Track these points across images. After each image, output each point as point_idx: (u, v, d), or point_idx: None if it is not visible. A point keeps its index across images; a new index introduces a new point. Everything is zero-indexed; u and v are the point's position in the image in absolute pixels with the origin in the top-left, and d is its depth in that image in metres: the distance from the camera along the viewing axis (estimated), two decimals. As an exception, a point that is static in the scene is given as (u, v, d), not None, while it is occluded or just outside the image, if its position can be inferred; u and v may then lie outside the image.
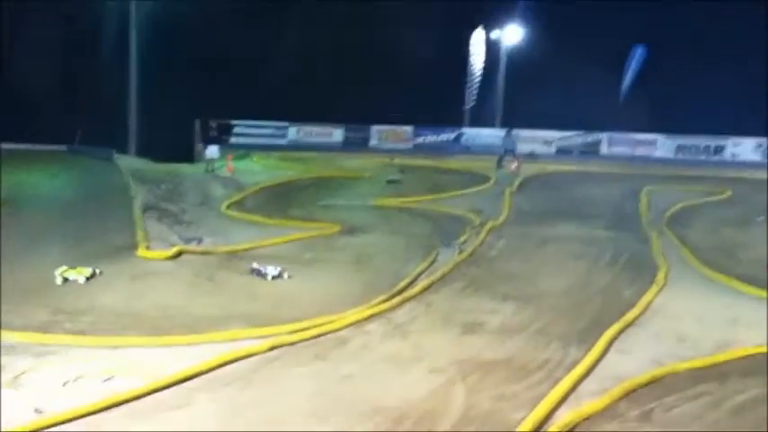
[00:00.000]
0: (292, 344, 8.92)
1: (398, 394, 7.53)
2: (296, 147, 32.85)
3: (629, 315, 10.27)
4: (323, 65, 36.12)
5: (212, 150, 25.16)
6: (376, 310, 10.28)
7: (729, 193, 22.45)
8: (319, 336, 9.24)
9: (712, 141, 34.01)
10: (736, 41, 35.62)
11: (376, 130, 35.71)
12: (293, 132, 35.27)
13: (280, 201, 19.68)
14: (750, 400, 7.61)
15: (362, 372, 8.22)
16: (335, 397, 7.50)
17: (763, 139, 33.33)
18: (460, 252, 14.09)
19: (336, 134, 35.59)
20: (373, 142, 35.42)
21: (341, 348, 8.94)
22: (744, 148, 33.82)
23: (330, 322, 9.66)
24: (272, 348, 8.70)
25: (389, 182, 23.31)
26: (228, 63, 33.67)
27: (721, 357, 8.78)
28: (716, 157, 33.35)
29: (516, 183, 23.58)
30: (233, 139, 32.76)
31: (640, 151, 33.98)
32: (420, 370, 8.27)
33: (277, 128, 34.90)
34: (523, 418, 6.83)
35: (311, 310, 10.08)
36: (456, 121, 36.71)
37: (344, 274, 12.46)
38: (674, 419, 7.12)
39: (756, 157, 33.28)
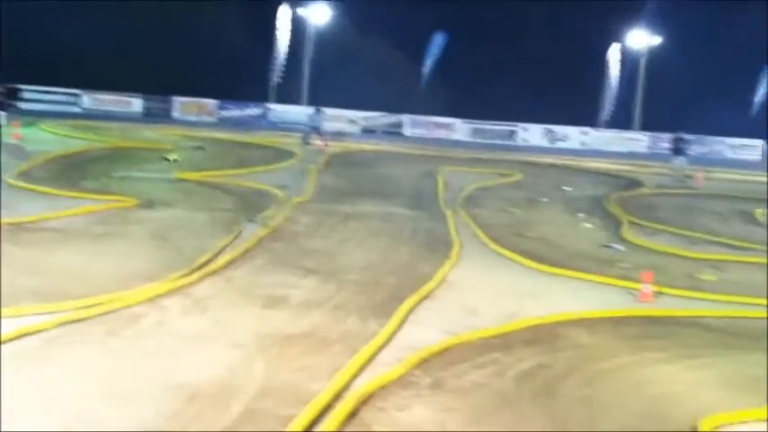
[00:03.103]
0: (82, 320, 8.46)
1: (196, 370, 7.36)
2: (91, 116, 31.20)
3: (425, 289, 10.66)
4: (122, 32, 34.36)
5: (-4, 115, 23.35)
6: (173, 285, 9.98)
7: (519, 175, 23.85)
8: (111, 312, 8.82)
9: (505, 126, 36.01)
10: (529, 34, 37.78)
11: (178, 101, 34.64)
12: (88, 101, 33.42)
13: (72, 171, 18.61)
14: (532, 368, 8.13)
15: (158, 348, 7.95)
16: (128, 375, 7.20)
17: (549, 126, 35.73)
18: (264, 227, 13.99)
19: (136, 104, 34.16)
20: (175, 114, 34.34)
21: (135, 325, 8.59)
22: (533, 133, 36.11)
23: (123, 298, 9.25)
24: (60, 325, 8.21)
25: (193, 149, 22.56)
26: (17, 27, 31.24)
27: (508, 328, 9.31)
28: (508, 142, 35.35)
29: (322, 160, 23.76)
30: (21, 105, 30.57)
31: (439, 133, 35.33)
32: (219, 345, 8.13)
33: (69, 94, 32.92)
34: (322, 389, 6.90)
35: (103, 286, 9.61)
36: (262, 97, 36.35)
37: (141, 250, 11.99)
38: (463, 387, 7.47)
39: (544, 142, 35.64)
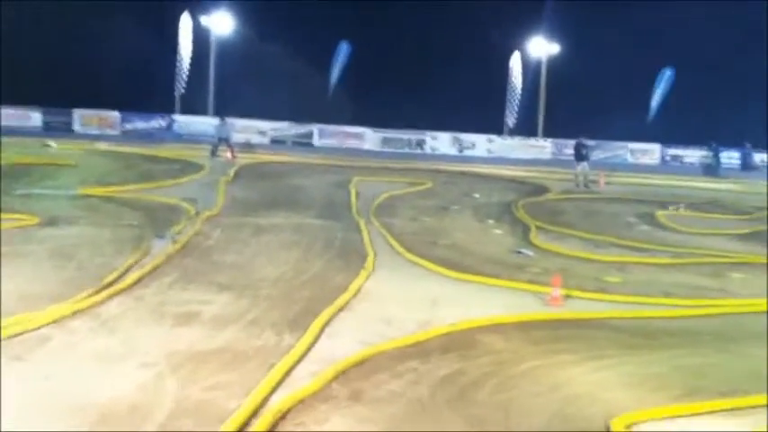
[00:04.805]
0: (-16, 346, 8.10)
1: (106, 391, 7.15)
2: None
3: (340, 300, 10.64)
4: (18, 42, 33.21)
5: None
6: (81, 305, 9.66)
7: (430, 184, 24.13)
8: (16, 335, 8.47)
9: (414, 135, 36.38)
10: (433, 42, 38.33)
11: (79, 114, 33.67)
12: (-17, 115, 32.11)
13: (-33, 189, 17.81)
14: (449, 375, 8.21)
15: (67, 371, 7.69)
16: (36, 399, 6.93)
17: (457, 134, 36.27)
18: (174, 243, 13.71)
19: (35, 118, 33.01)
20: (77, 127, 33.36)
21: (42, 347, 8.29)
22: (441, 142, 36.61)
23: (28, 320, 8.90)
24: (-42, 352, 7.83)
25: None
26: None
27: (423, 336, 9.38)
28: (417, 150, 35.73)
29: (231, 172, 23.46)
30: None
31: (349, 143, 35.42)
32: (129, 365, 7.91)
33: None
34: (238, 406, 6.80)
35: (8, 309, 9.23)
36: (167, 109, 35.69)
37: (46, 270, 11.58)
38: (381, 397, 7.49)
39: (452, 150, 36.18)
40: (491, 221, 18.72)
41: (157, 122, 34.73)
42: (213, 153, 27.36)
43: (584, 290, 12.11)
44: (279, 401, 7.04)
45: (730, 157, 36.31)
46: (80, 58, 32.62)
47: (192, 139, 31.92)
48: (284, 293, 11.04)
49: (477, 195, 22.67)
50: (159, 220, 15.77)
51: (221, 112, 32.70)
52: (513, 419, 7.19)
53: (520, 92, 39.50)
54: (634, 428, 7.04)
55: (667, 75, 39.95)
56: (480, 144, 36.95)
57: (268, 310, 10.10)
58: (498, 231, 17.64)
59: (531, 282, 12.51)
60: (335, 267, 12.87)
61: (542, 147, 37.43)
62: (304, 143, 34.92)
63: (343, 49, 38.56)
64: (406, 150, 35.33)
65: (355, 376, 7.91)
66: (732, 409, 7.71)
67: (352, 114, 36.35)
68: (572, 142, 29.50)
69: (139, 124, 34.39)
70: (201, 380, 7.60)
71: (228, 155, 27.14)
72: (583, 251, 15.50)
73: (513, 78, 39.45)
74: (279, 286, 11.43)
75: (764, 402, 7.89)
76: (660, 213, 20.63)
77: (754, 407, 7.80)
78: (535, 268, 13.70)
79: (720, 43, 37.84)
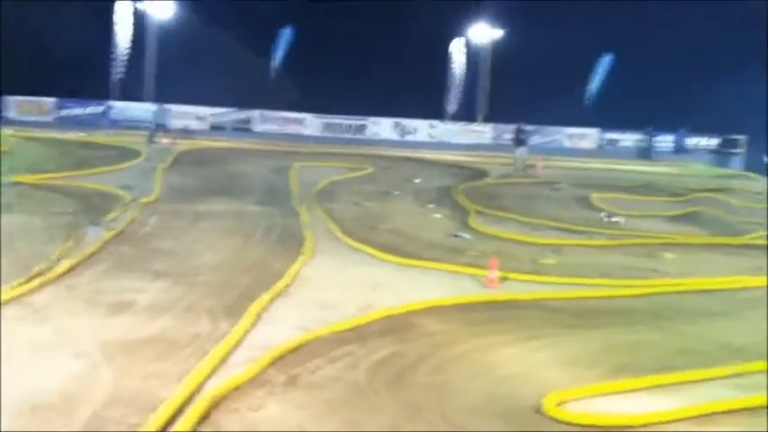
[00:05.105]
0: None
1: (38, 382, 7.01)
2: None
3: (278, 286, 10.60)
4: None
5: None
6: (10, 294, 9.43)
7: (371, 169, 24.13)
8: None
9: (355, 121, 36.31)
10: (375, 28, 38.23)
11: (12, 101, 32.73)
12: None
13: None
14: (385, 358, 8.26)
15: (-4, 362, 7.51)
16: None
17: (398, 119, 36.32)
18: (109, 230, 13.47)
19: (-36, 105, 32.01)
20: (11, 114, 32.43)
21: (-31, 339, 8.07)
22: (383, 127, 36.62)
23: (-45, 311, 8.67)
24: None
25: None
26: None
27: (361, 320, 9.41)
28: (359, 136, 35.67)
29: (169, 158, 23.11)
30: None
31: (290, 129, 35.17)
32: (62, 355, 7.77)
33: None
34: (172, 394, 6.73)
35: (-68, 300, 8.97)
36: (104, 95, 34.92)
37: (-26, 259, 11.25)
38: (317, 382, 7.50)
39: (394, 135, 36.22)
40: (431, 206, 18.84)
41: (94, 109, 33.95)
42: (151, 139, 26.91)
43: (521, 272, 12.30)
44: (213, 388, 6.99)
45: (664, 141, 37.11)
46: (13, 44, 31.67)
47: (130, 125, 31.32)
48: (222, 281, 10.94)
49: (417, 180, 22.76)
50: (94, 207, 15.46)
51: (159, 97, 32.13)
52: (447, 401, 7.27)
53: (461, 78, 39.68)
54: (565, 406, 7.18)
55: (606, 60, 40.58)
56: (422, 129, 37.05)
57: (204, 298, 10.01)
58: (438, 216, 17.76)
59: (469, 265, 12.64)
60: (275, 254, 12.80)
61: (482, 132, 37.69)
62: (244, 129, 34.53)
63: (285, 35, 38.21)
64: (348, 136, 35.22)
65: (292, 362, 7.90)
66: (662, 386, 7.92)
67: (293, 100, 36.07)
68: (511, 127, 29.79)
69: (75, 111, 33.58)
70: (136, 369, 7.51)
71: (166, 141, 26.72)
72: (520, 234, 15.72)
73: (453, 64, 39.60)
74: (216, 273, 11.33)
75: (694, 378, 8.14)
76: (595, 196, 20.98)
77: (683, 383, 8.03)
78: (473, 251, 13.84)
79: (658, 30, 38.61)
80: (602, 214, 18.64)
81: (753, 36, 35.02)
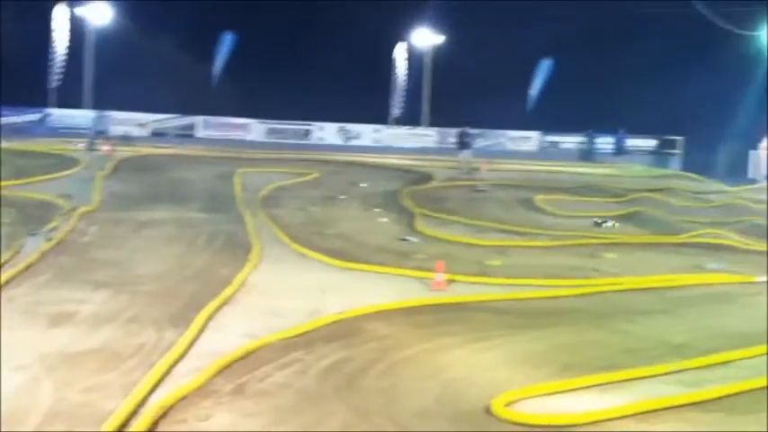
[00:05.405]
0: None
1: (-24, 398, 6.81)
2: None
3: (224, 294, 10.49)
4: None
5: None
6: (-54, 308, 9.16)
7: (316, 174, 24.06)
8: None
9: (300, 126, 36.16)
10: (318, 32, 38.18)
11: (-56, 109, 31.81)
12: None
13: None
14: (334, 363, 8.23)
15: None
16: None
17: (343, 124, 36.28)
18: (48, 240, 13.17)
19: None
20: (-58, 123, 31.47)
21: None
22: (328, 132, 36.55)
23: None
24: None
25: None
26: None
27: (309, 326, 9.36)
28: (304, 141, 35.54)
29: (109, 166, 22.71)
30: None
31: (234, 135, 34.87)
32: (2, 369, 7.55)
33: None
34: (117, 406, 6.60)
35: None
36: (41, 102, 34.16)
37: None
38: (265, 389, 7.43)
39: (338, 140, 36.18)
40: (378, 210, 18.87)
41: (30, 116, 33.17)
42: (90, 147, 26.41)
43: (467, 274, 12.39)
44: (160, 399, 6.88)
45: (605, 143, 37.80)
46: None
47: (68, 132, 30.68)
48: (166, 289, 10.79)
49: (363, 185, 22.78)
50: (33, 217, 15.11)
51: (99, 104, 31.55)
52: (397, 404, 7.27)
53: (404, 82, 39.84)
54: (514, 406, 7.25)
55: (546, 64, 41.19)
56: (366, 134, 37.08)
57: (148, 307, 9.85)
58: (385, 219, 17.80)
59: (416, 268, 12.69)
60: (220, 261, 12.68)
61: (427, 136, 37.91)
62: (187, 135, 34.10)
63: (227, 40, 37.90)
64: (292, 141, 35.05)
65: (240, 370, 7.82)
66: (607, 383, 8.05)
67: (236, 105, 35.76)
68: (455, 131, 30.00)
69: (11, 118, 32.76)
70: (78, 381, 7.34)
71: (106, 148, 26.26)
72: (465, 236, 15.84)
73: (397, 69, 39.75)
74: (160, 282, 11.16)
75: (637, 375, 8.29)
76: (539, 198, 21.26)
77: (627, 380, 8.17)
78: (420, 255, 13.91)
79: (596, 33, 39.32)
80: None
81: (690, 39, 35.92)
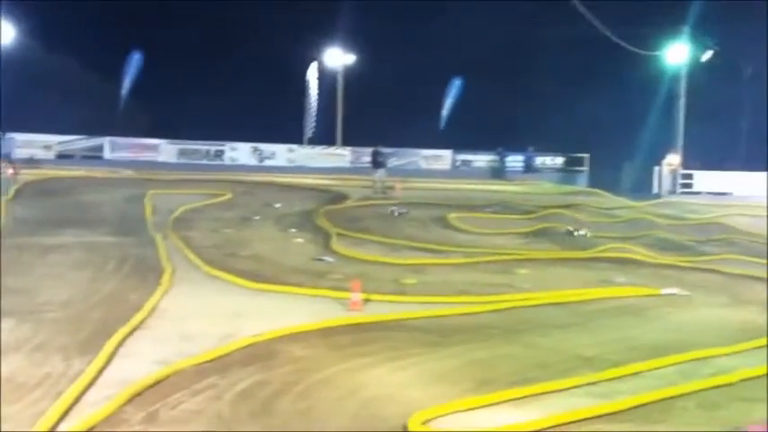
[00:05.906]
0: None
1: None
2: None
3: (135, 320, 10.21)
4: None
5: None
6: None
7: (230, 195, 23.76)
8: None
9: (212, 146, 35.71)
10: (229, 52, 37.92)
11: None
12: None
13: None
14: (250, 387, 8.09)
15: None
16: None
17: (256, 144, 36.00)
18: (-55, 268, 12.57)
19: None
20: None
21: None
22: (241, 152, 36.19)
23: None
24: None
25: None
26: None
27: (223, 351, 9.18)
28: (216, 162, 35.10)
29: (12, 190, 21.89)
30: None
31: (144, 156, 34.17)
32: None
33: None
34: (21, 441, 6.33)
35: None
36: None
37: None
38: (178, 416, 7.24)
39: (252, 161, 35.88)
40: (293, 230, 18.75)
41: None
42: (-8, 170, 25.43)
43: (384, 293, 12.42)
44: (68, 429, 6.62)
45: (515, 161, 38.65)
46: None
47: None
48: (73, 316, 10.43)
49: (278, 205, 22.61)
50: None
51: (1, 126, 30.43)
52: (313, 426, 7.20)
53: (317, 102, 39.87)
54: (431, 425, 7.27)
55: (457, 84, 41.96)
56: (280, 154, 36.90)
57: (55, 335, 9.50)
58: (300, 240, 17.70)
59: (332, 288, 12.64)
60: (130, 286, 12.35)
61: (341, 155, 37.99)
62: (94, 157, 33.22)
63: (135, 59, 37.22)
64: (205, 162, 34.55)
65: (151, 398, 7.59)
66: (522, 398, 8.16)
67: (146, 126, 35.11)
68: (369, 150, 30.16)
69: None
70: (-21, 415, 7.00)
71: (10, 171, 25.33)
72: (381, 255, 15.88)
73: (310, 89, 39.76)
74: (67, 309, 10.79)
75: (551, 389, 8.44)
76: (452, 216, 21.51)
77: (540, 394, 8.31)
78: (336, 274, 13.86)
79: (505, 54, 40.32)
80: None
81: (595, 60, 37.17)
